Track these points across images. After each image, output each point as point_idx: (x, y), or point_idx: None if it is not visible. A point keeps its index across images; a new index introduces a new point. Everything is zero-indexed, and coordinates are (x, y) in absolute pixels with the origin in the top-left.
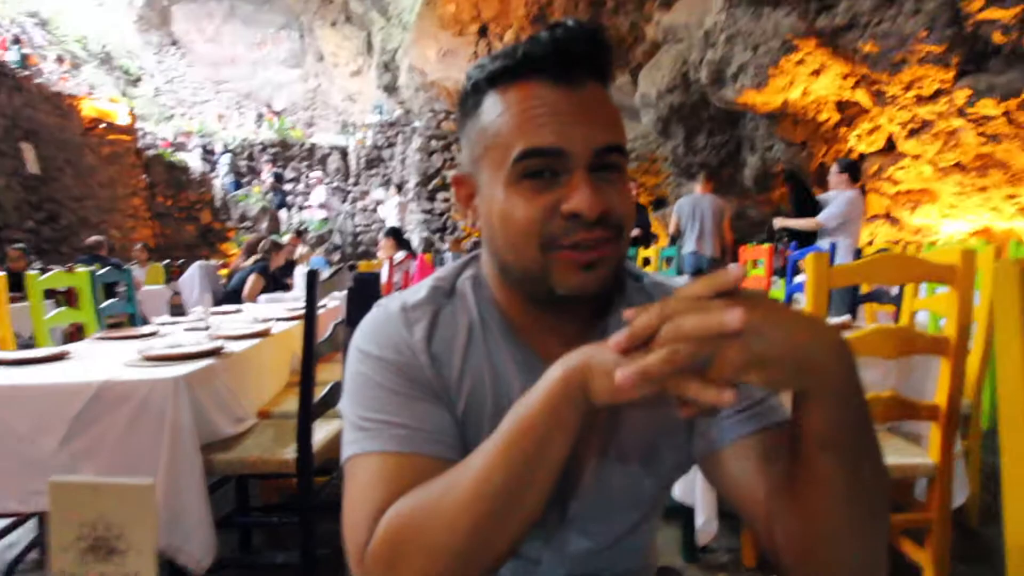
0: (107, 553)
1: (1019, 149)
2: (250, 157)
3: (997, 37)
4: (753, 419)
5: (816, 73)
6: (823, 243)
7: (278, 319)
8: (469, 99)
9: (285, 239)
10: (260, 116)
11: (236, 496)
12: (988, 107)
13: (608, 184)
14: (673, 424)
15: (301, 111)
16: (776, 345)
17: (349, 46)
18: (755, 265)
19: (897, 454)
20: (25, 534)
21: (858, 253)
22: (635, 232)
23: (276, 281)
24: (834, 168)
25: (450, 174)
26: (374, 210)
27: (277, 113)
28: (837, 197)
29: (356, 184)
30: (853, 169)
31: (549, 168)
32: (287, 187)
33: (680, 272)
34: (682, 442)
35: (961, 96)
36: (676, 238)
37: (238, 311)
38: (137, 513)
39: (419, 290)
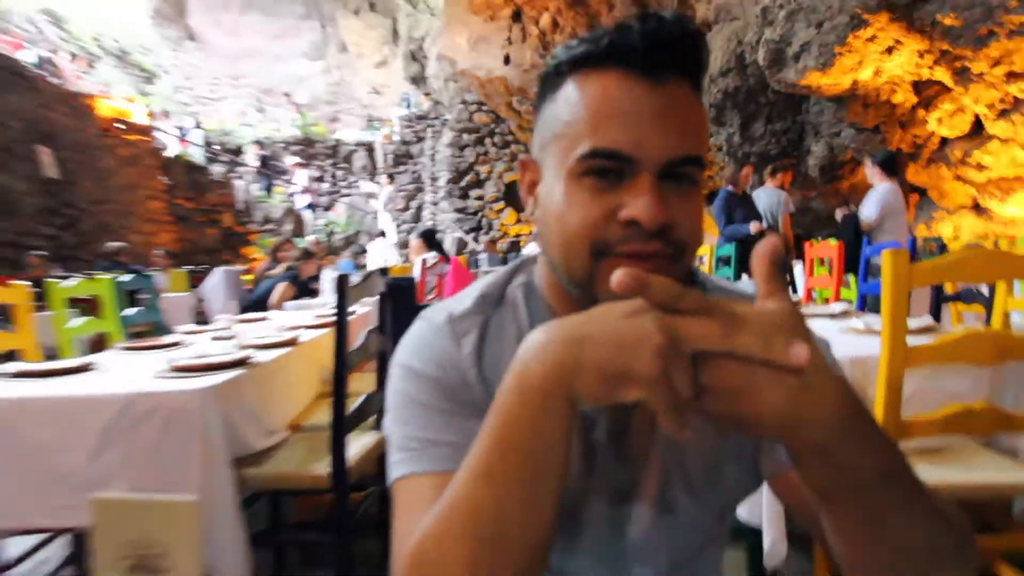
0: (150, 572)
1: None
2: (273, 156)
3: None
4: None
5: (889, 51)
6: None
7: (306, 327)
8: (549, 81)
9: (310, 240)
10: (283, 112)
11: (269, 513)
12: None
13: (677, 195)
14: (738, 441)
15: (324, 105)
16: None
17: (373, 35)
18: (821, 263)
19: (992, 471)
20: (57, 551)
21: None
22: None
23: (303, 286)
24: (868, 161)
25: (483, 170)
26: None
27: (298, 106)
28: (871, 192)
29: None
30: (889, 163)
31: (614, 170)
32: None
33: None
34: (748, 460)
35: None
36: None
37: (263, 319)
38: (181, 532)
39: (464, 299)
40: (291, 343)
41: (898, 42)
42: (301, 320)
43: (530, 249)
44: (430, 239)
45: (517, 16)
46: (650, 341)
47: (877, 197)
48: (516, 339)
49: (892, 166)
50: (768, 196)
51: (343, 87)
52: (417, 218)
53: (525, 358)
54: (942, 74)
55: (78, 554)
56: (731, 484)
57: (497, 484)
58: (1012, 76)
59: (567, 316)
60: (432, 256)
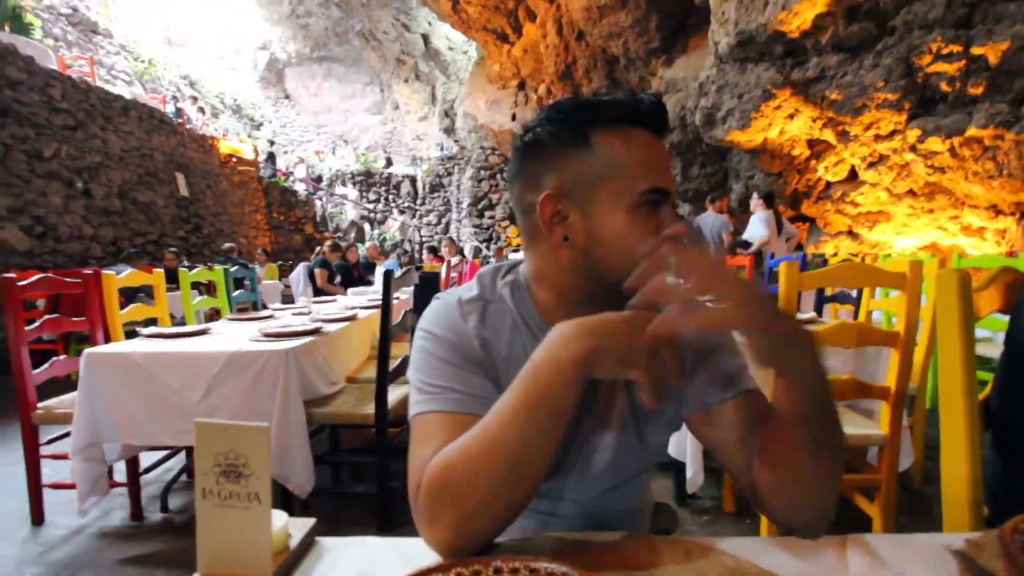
0: (235, 476)
1: (961, 179)
2: (343, 184)
3: (944, 86)
4: (732, 385)
5: (791, 116)
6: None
7: (362, 307)
8: (568, 133)
9: (368, 245)
10: (348, 150)
11: (329, 441)
12: (935, 144)
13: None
14: (669, 395)
15: (380, 148)
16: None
17: (418, 98)
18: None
19: (853, 426)
20: (177, 462)
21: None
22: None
23: (361, 279)
24: (754, 195)
25: (495, 197)
26: (398, 212)
27: (355, 148)
28: (754, 216)
29: (422, 204)
30: (770, 197)
31: (659, 200)
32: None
33: None
34: (674, 409)
35: (912, 135)
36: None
37: (333, 300)
38: (257, 447)
39: (471, 289)
40: (351, 318)
41: (797, 110)
42: (359, 302)
43: (514, 256)
44: (453, 241)
45: (522, 86)
46: (643, 340)
47: (761, 220)
48: (509, 322)
49: (771, 200)
50: (713, 220)
51: (395, 134)
52: (446, 231)
53: (558, 343)
54: (828, 134)
55: (190, 464)
56: (662, 426)
57: (523, 429)
58: (878, 138)
59: (582, 317)
60: (456, 258)
